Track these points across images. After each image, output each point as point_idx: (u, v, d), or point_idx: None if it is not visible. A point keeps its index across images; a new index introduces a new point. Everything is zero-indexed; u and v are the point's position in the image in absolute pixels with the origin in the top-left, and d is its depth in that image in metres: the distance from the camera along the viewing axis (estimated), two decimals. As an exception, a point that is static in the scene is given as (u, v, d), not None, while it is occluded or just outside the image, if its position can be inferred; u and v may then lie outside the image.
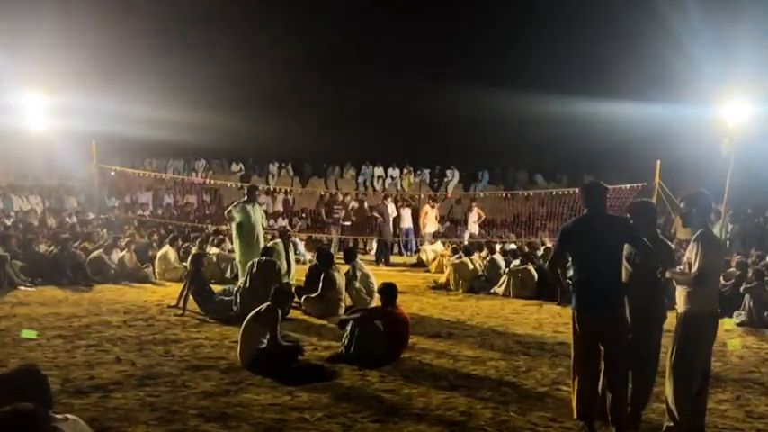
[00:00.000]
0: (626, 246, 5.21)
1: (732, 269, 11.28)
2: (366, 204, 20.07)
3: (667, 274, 5.09)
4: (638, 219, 5.44)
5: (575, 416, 5.17)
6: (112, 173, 21.70)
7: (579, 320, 5.13)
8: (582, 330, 5.11)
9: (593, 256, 5.05)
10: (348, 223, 19.51)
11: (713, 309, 5.12)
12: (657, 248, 5.30)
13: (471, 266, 13.20)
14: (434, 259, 16.01)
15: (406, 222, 19.52)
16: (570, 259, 5.29)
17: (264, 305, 7.07)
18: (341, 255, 13.43)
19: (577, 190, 6.73)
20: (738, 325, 10.06)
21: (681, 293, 5.07)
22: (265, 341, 6.81)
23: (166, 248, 13.46)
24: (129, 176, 22.12)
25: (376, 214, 19.04)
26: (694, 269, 4.93)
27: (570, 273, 6.45)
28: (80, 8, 23.52)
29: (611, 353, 5.05)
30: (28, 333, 8.10)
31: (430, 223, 18.97)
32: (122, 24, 24.95)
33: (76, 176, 21.11)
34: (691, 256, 5.01)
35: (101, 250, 13.07)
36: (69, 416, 3.38)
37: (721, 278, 10.28)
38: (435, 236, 18.82)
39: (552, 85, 24.02)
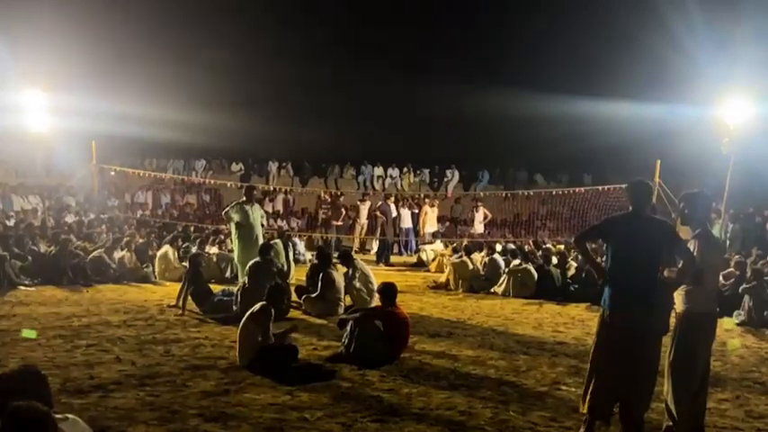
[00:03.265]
0: None
1: (732, 269, 11.27)
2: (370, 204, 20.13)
3: (666, 273, 5.08)
4: None
5: (583, 410, 5.11)
6: (112, 173, 21.72)
7: (610, 319, 5.00)
8: (611, 330, 4.98)
9: (632, 256, 4.94)
10: (341, 223, 19.50)
11: (712, 308, 5.12)
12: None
13: (471, 266, 13.20)
14: (434, 259, 16.01)
15: (406, 222, 19.53)
16: (606, 257, 5.20)
17: (259, 304, 7.09)
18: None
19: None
20: (738, 325, 10.06)
21: (679, 293, 5.06)
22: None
23: (166, 248, 13.47)
24: (128, 176, 22.13)
25: (379, 214, 19.06)
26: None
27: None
28: (80, 8, 23.52)
29: (637, 356, 4.90)
30: (28, 333, 8.09)
31: (429, 223, 18.97)
32: (122, 24, 24.96)
33: (76, 176, 21.12)
34: (688, 255, 5.00)
35: (101, 250, 13.08)
36: (69, 416, 3.40)
37: (721, 278, 10.29)
38: (435, 235, 18.82)
39: (552, 84, 24.02)
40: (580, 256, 7.40)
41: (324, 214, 19.86)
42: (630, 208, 5.14)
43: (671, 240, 5.03)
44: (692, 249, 4.97)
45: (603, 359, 5.03)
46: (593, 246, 9.07)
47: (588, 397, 5.05)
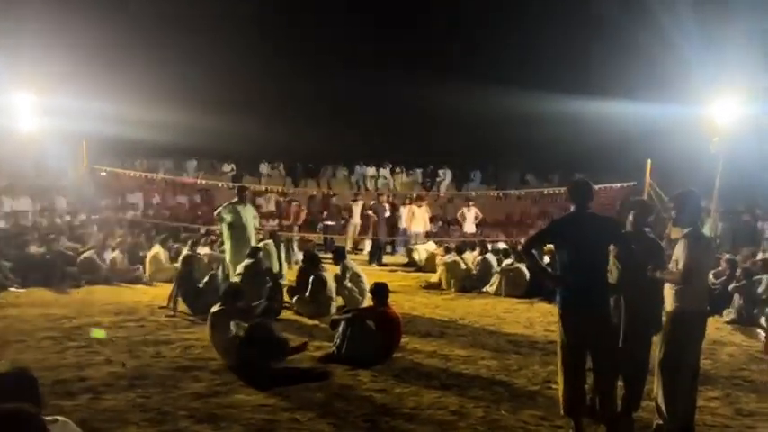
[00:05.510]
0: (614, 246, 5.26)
1: (722, 267, 11.33)
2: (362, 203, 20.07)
3: (657, 274, 5.11)
4: (638, 215, 5.54)
5: (561, 412, 5.21)
6: (103, 173, 21.59)
7: (565, 320, 5.12)
8: (567, 330, 5.11)
9: (580, 255, 5.05)
10: (332, 223, 19.46)
11: (702, 307, 5.15)
12: (650, 248, 5.35)
13: (463, 266, 13.21)
14: (427, 259, 16.00)
15: (402, 221, 19.44)
16: (557, 257, 5.31)
17: (214, 308, 7.10)
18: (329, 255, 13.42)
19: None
20: (728, 323, 10.11)
21: (669, 291, 5.09)
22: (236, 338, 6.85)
23: (157, 249, 13.41)
24: (119, 177, 22.02)
25: (371, 213, 19.00)
26: (680, 266, 4.96)
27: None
28: (70, 8, 23.43)
29: (598, 353, 5.06)
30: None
31: (415, 223, 18.84)
32: (113, 24, 24.84)
33: (67, 177, 21.01)
34: (678, 253, 5.03)
35: (92, 251, 13.03)
36: (59, 417, 3.38)
37: (711, 276, 10.33)
38: (428, 235, 18.79)
39: (544, 84, 24.10)
40: (528, 263, 7.46)
41: (284, 219, 19.80)
42: (573, 208, 5.21)
43: (615, 236, 5.20)
44: (681, 249, 5.01)
45: (566, 358, 5.14)
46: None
47: (562, 398, 5.14)
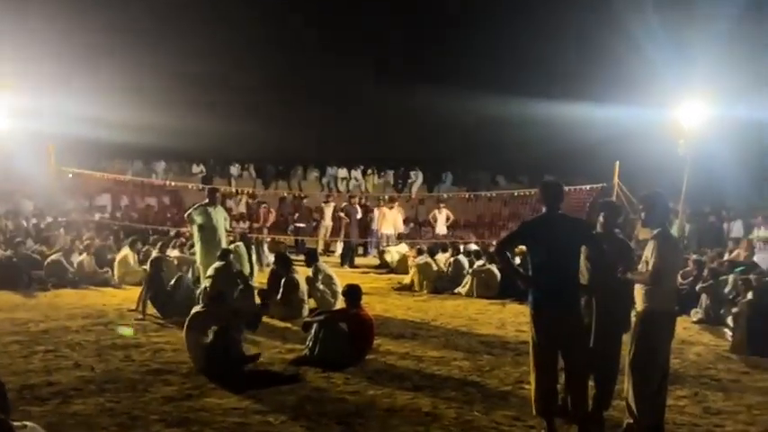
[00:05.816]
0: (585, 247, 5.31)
1: (689, 268, 11.51)
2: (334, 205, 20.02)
3: (627, 275, 5.18)
4: (609, 216, 5.64)
5: (534, 412, 5.24)
6: (70, 175, 21.26)
7: (536, 320, 5.16)
8: (539, 330, 5.14)
9: (551, 256, 5.08)
10: (304, 225, 19.40)
11: (671, 307, 5.22)
12: (619, 249, 5.42)
13: (435, 267, 13.25)
14: (399, 260, 16.01)
15: (375, 223, 19.43)
16: (528, 258, 5.34)
17: (195, 309, 7.04)
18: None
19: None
20: (695, 323, 10.27)
21: (639, 292, 5.15)
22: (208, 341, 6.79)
23: (126, 251, 13.25)
24: (87, 178, 21.69)
25: (342, 215, 18.96)
26: (650, 267, 5.03)
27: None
28: (37, 7, 23.05)
29: (569, 352, 5.11)
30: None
31: (387, 225, 18.84)
32: (80, 24, 24.46)
33: (34, 179, 20.64)
34: (648, 254, 5.10)
35: (59, 253, 12.83)
36: (28, 423, 3.32)
37: (679, 277, 10.49)
38: (400, 237, 18.81)
39: (513, 86, 24.19)
40: (500, 264, 7.47)
41: (255, 221, 19.80)
42: (544, 209, 5.26)
43: (586, 237, 5.25)
44: (650, 250, 5.07)
45: (538, 358, 5.19)
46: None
47: (534, 398, 5.18)
